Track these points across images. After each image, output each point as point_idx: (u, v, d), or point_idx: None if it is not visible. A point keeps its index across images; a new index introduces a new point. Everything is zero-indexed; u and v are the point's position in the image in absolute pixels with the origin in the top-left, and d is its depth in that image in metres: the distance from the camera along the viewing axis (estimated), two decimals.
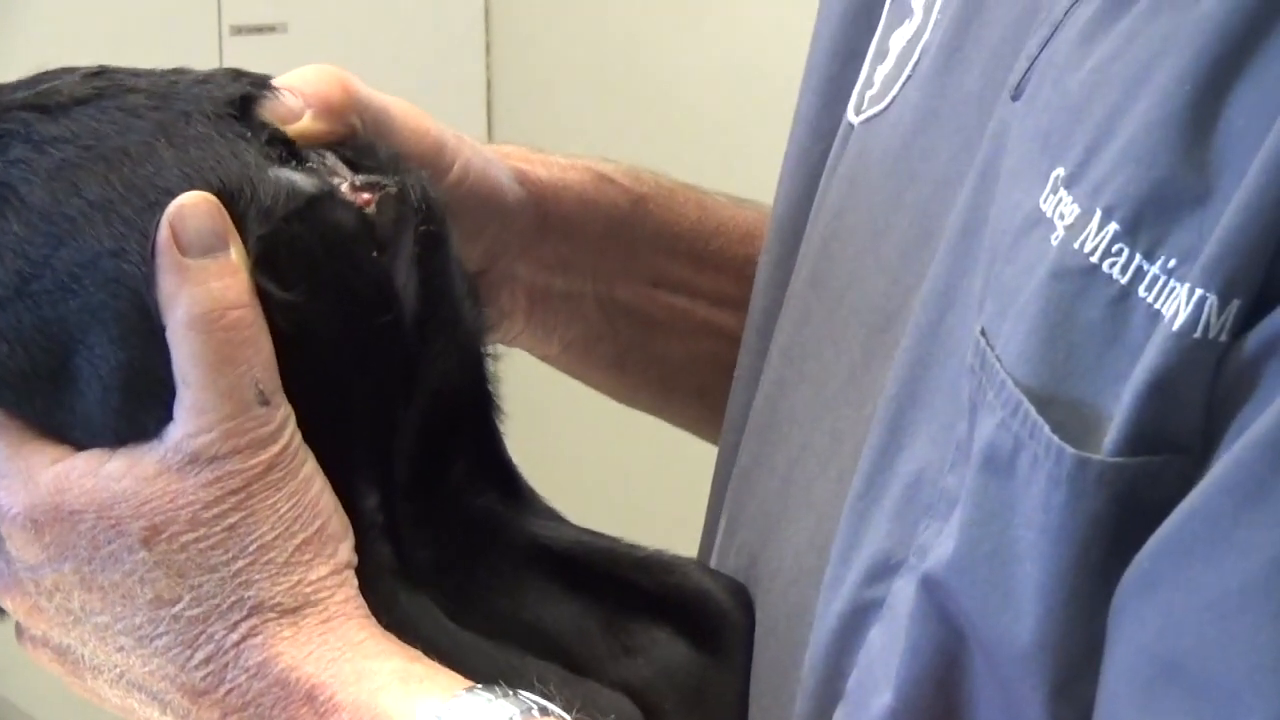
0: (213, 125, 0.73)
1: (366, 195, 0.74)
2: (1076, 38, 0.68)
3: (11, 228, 0.72)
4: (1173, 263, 0.61)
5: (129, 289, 0.71)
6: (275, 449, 0.72)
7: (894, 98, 0.80)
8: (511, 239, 0.91)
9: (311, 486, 0.73)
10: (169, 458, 0.71)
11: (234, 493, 0.71)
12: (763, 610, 0.80)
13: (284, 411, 0.72)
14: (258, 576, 0.71)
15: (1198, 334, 0.60)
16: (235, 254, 0.72)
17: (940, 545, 0.67)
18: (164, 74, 0.76)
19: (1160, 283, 0.62)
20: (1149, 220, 0.62)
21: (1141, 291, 0.62)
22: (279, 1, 2.87)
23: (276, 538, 0.72)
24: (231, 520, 0.71)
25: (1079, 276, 0.64)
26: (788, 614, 0.77)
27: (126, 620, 0.72)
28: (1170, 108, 0.63)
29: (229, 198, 0.71)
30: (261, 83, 0.77)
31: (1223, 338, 0.60)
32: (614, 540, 0.82)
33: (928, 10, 0.80)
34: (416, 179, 0.77)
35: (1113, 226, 0.63)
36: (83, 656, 0.74)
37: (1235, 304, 0.60)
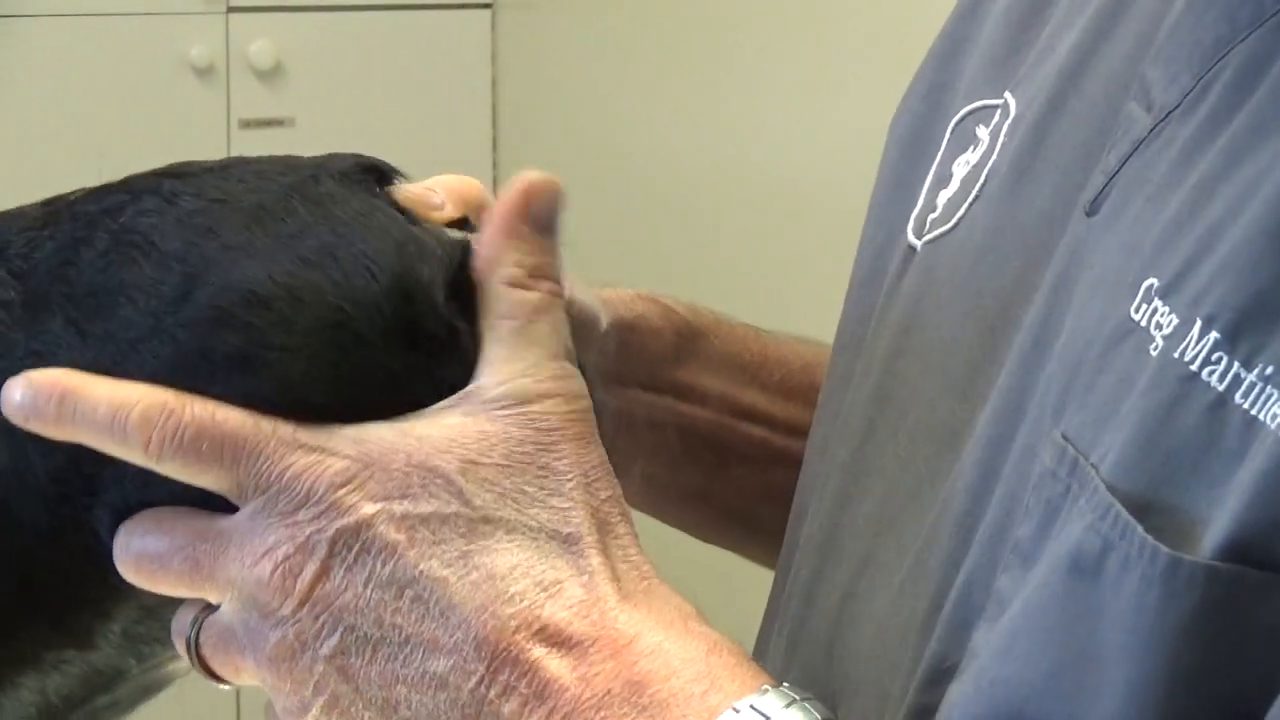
0: (340, 184, 0.75)
1: None
2: (1176, 156, 0.69)
3: (145, 271, 0.73)
4: (1270, 370, 0.62)
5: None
6: (586, 403, 0.73)
7: (960, 219, 0.82)
8: (603, 365, 0.91)
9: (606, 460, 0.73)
10: (475, 407, 0.72)
11: (549, 431, 0.72)
12: None
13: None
14: (575, 516, 0.71)
15: None
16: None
17: (996, 644, 0.67)
18: (285, 157, 0.79)
19: (1256, 389, 0.62)
20: (1248, 329, 0.63)
21: (1238, 398, 0.63)
22: (287, 96, 2.88)
23: (591, 482, 0.72)
24: (544, 459, 0.72)
25: (1178, 384, 0.64)
26: None
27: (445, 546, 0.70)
28: (1274, 220, 0.64)
29: (407, 249, 0.74)
30: (392, 168, 0.79)
31: None
32: None
33: (994, 136, 0.82)
34: None
35: (1213, 335, 0.64)
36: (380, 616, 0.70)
37: None
